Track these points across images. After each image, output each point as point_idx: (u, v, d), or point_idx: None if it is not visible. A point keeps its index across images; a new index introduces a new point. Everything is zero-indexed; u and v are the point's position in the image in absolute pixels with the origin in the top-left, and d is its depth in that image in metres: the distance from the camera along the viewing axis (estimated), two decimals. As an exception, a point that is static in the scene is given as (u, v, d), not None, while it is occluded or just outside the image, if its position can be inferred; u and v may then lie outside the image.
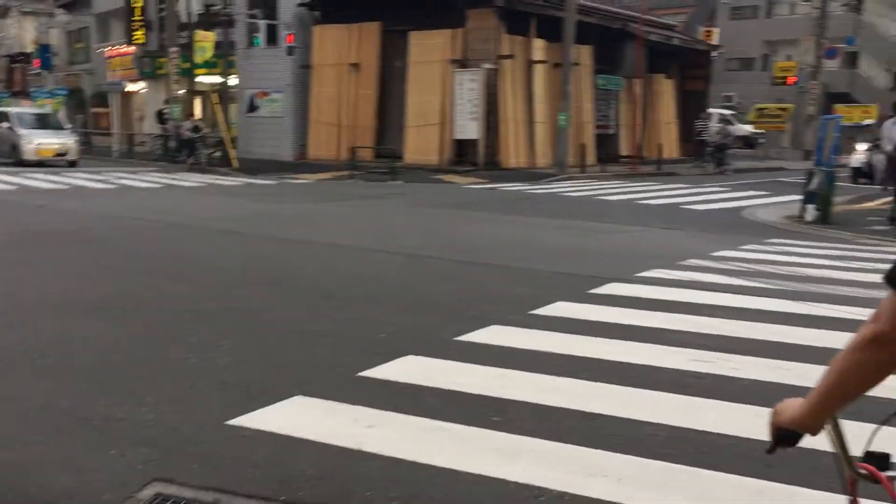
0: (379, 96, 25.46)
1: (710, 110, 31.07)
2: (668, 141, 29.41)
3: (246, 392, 4.42)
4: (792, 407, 1.60)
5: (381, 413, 4.15)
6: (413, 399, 4.37)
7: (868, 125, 28.64)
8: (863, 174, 20.65)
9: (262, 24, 25.72)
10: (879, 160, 14.52)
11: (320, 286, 7.32)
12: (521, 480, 3.40)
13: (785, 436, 1.60)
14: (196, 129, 22.95)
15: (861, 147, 21.78)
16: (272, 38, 26.18)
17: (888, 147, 13.06)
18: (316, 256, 8.97)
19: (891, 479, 1.48)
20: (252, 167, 23.23)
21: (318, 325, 5.91)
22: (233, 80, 27.50)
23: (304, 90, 26.49)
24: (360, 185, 18.86)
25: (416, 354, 5.19)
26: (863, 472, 1.53)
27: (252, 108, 27.82)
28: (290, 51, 25.25)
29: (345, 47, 25.51)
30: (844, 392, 1.49)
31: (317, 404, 4.29)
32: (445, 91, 23.42)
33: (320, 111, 25.96)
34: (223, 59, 25.78)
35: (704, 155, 25.48)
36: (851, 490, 1.61)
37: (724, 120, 40.31)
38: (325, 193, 16.67)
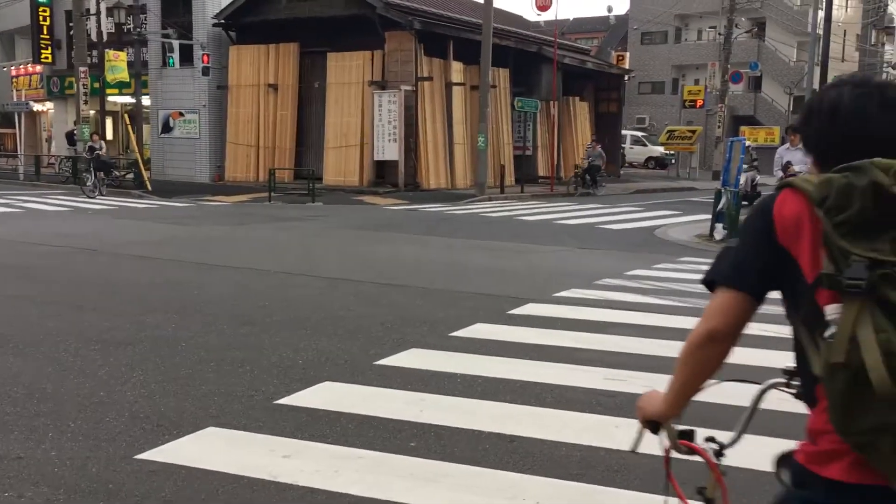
0: (298, 117, 25.27)
1: (624, 132, 31.94)
2: (585, 162, 30.09)
3: (157, 425, 4.29)
4: (656, 400, 1.90)
5: (297, 442, 4.08)
6: (330, 426, 4.32)
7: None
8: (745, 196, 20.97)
9: (176, 43, 25.24)
10: (748, 178, 14.86)
11: (238, 312, 7.18)
12: (438, 506, 3.39)
13: (651, 426, 1.93)
14: (91, 149, 21.69)
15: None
16: (187, 57, 25.71)
17: (777, 172, 12.93)
18: (233, 281, 8.80)
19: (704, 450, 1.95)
20: (167, 189, 22.69)
21: (235, 353, 5.79)
22: (146, 101, 26.87)
23: (220, 111, 26.08)
24: (279, 208, 18.63)
25: (335, 380, 5.14)
26: (683, 447, 1.93)
27: (166, 128, 27.22)
28: (206, 71, 24.85)
29: (262, 68, 25.26)
30: (695, 384, 1.82)
31: (231, 435, 4.19)
32: (365, 112, 23.43)
33: (237, 132, 25.60)
34: (136, 78, 25.16)
35: (576, 177, 24.63)
36: (666, 464, 2.02)
37: (638, 141, 41.50)
38: (242, 216, 16.40)
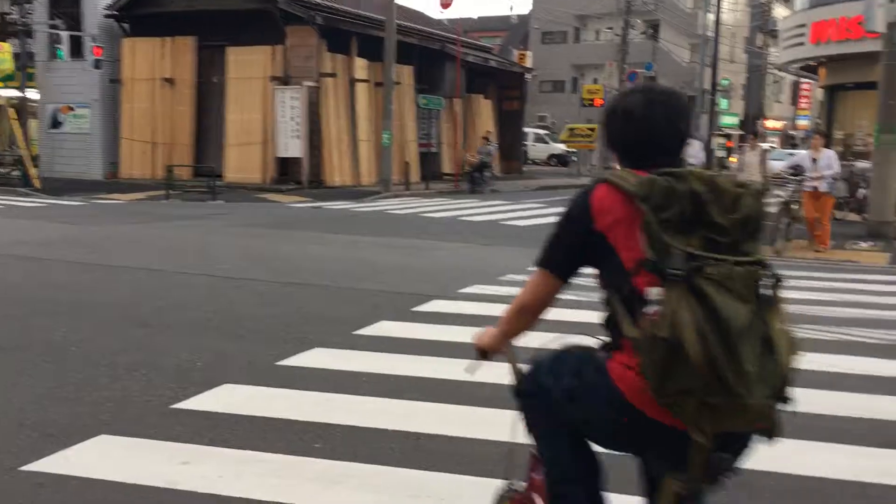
0: (196, 113, 24.56)
1: (526, 129, 32.38)
2: (476, 157, 30.41)
3: (45, 434, 4.08)
4: (487, 336, 2.43)
5: (196, 448, 3.96)
6: (232, 430, 4.21)
7: None
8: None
9: (65, 34, 24.11)
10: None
11: (133, 314, 6.92)
12: (343, 507, 3.35)
13: (482, 354, 2.50)
14: None
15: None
16: (77, 50, 24.60)
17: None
18: (128, 282, 8.47)
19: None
20: (56, 187, 21.68)
21: (130, 356, 5.57)
22: (33, 94, 25.59)
23: (113, 105, 25.08)
24: (177, 206, 18.07)
25: (235, 383, 5.02)
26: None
27: (55, 123, 25.98)
28: (97, 64, 23.82)
29: (157, 62, 24.42)
30: (513, 335, 2.39)
31: (125, 443, 4.03)
32: (267, 109, 22.97)
33: (133, 128, 24.68)
34: (21, 71, 23.91)
35: (464, 175, 24.53)
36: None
37: (540, 139, 42.24)
38: (139, 214, 15.83)
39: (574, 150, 34.83)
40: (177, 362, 5.44)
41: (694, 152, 13.62)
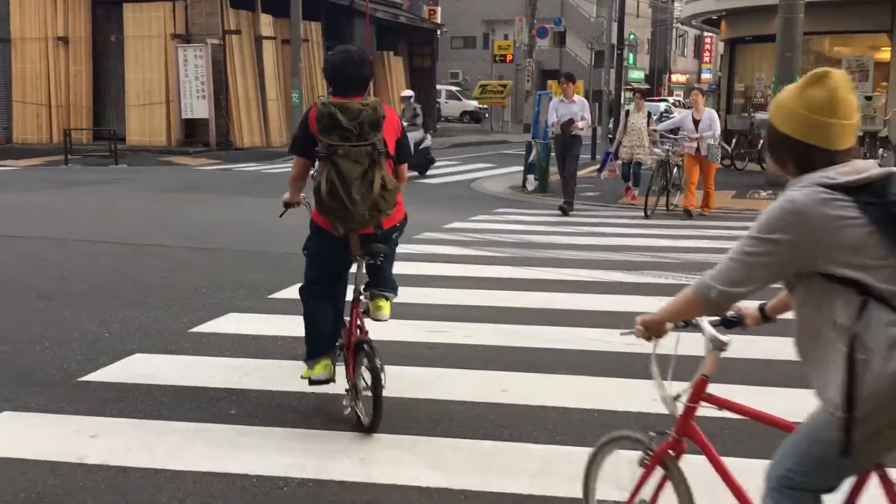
0: (94, 73, 23.43)
1: (439, 87, 32.26)
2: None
3: (-59, 415, 3.88)
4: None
5: (105, 420, 3.84)
6: (142, 401, 4.10)
7: None
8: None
9: (-55, -10, 22.55)
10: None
11: (33, 285, 6.62)
12: (262, 473, 3.32)
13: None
14: None
15: None
16: (-42, 7, 23.07)
17: (552, 124, 11.69)
18: (27, 252, 8.08)
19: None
20: (-57, 154, 20.44)
21: (32, 329, 5.34)
22: (-89, 55, 23.94)
23: (3, 66, 23.69)
24: (77, 171, 17.29)
25: (146, 352, 4.87)
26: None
27: (-61, 86, 24.41)
28: (-18, 22, 22.41)
29: (49, 19, 23.11)
30: (294, 200, 4.19)
31: (30, 418, 3.87)
32: (169, 68, 22.08)
33: (25, 90, 23.37)
34: None
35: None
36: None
37: (452, 96, 42.12)
38: (35, 181, 15.07)
39: (486, 106, 34.92)
40: (82, 334, 5.25)
41: (576, 110, 11.11)
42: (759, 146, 16.61)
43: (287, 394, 4.22)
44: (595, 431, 3.73)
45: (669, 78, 53.97)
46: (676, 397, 2.34)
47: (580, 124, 11.19)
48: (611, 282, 6.90)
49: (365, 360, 3.71)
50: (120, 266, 7.46)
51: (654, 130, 11.94)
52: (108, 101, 23.54)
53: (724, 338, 2.20)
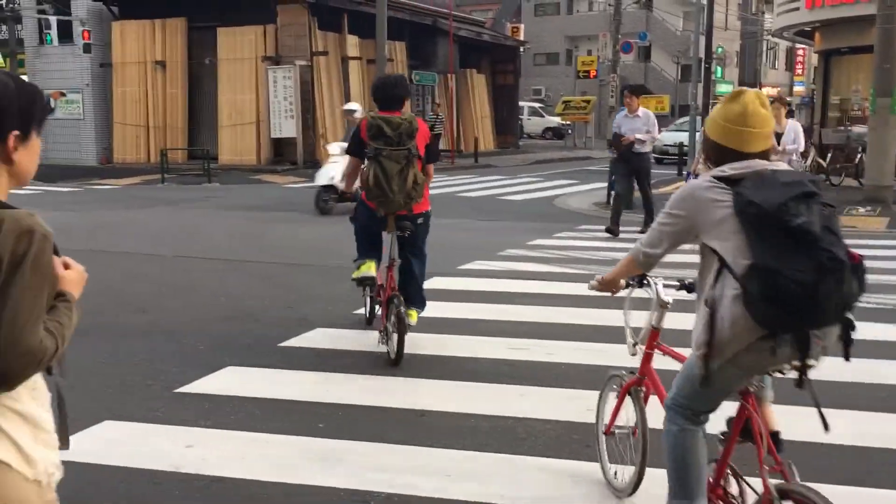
0: (189, 95, 24.39)
1: (521, 103, 32.24)
2: (484, 134, 30.27)
3: (48, 422, 4.09)
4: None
5: (200, 431, 3.97)
6: (235, 412, 4.22)
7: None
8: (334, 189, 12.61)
9: (54, 19, 23.89)
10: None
11: (130, 300, 6.91)
12: (349, 486, 3.37)
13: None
14: None
15: (334, 152, 13.16)
16: (66, 34, 24.37)
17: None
18: (124, 268, 8.46)
19: None
20: (51, 174, 21.51)
21: (130, 342, 5.57)
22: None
23: (105, 90, 24.90)
24: (172, 189, 18.01)
25: (238, 365, 5.02)
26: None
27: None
28: (87, 48, 23.62)
29: (148, 44, 24.22)
30: (350, 185, 5.74)
31: (129, 427, 4.03)
32: (259, 89, 22.82)
33: (125, 112, 24.53)
34: (11, 57, 23.73)
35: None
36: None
37: (535, 112, 42.03)
38: (134, 199, 15.77)
39: (569, 122, 34.71)
40: (178, 346, 5.44)
41: (639, 126, 10.48)
42: (857, 161, 15.98)
43: (373, 409, 4.27)
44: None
45: (760, 91, 52.52)
46: (635, 345, 3.12)
47: (641, 136, 10.35)
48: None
49: (394, 309, 4.99)
50: (213, 281, 7.72)
51: None
52: (201, 122, 24.45)
53: (666, 298, 2.96)
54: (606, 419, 3.34)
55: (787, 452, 3.29)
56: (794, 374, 2.40)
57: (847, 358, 2.37)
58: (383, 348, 5.09)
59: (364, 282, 5.40)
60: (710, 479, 2.65)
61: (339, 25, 23.59)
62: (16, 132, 1.63)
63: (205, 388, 4.60)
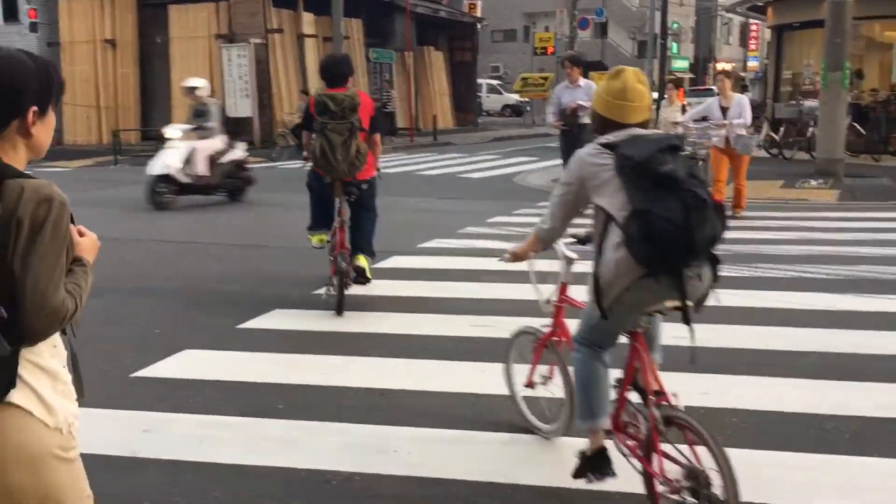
0: (141, 75, 23.91)
1: (480, 81, 32.18)
2: (443, 112, 30.16)
3: (0, 410, 3.99)
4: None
5: (157, 415, 3.91)
6: (193, 396, 4.17)
7: None
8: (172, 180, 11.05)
9: (-3, -3, 23.18)
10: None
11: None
12: (310, 466, 3.35)
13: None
14: None
15: (175, 136, 11.30)
16: (10, 12, 23.70)
17: (550, 114, 11.20)
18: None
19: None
20: (-1, 157, 20.97)
21: (85, 327, 5.44)
22: (-33, 61, 24.64)
23: (53, 70, 24.29)
24: (125, 171, 17.65)
25: (196, 348, 4.96)
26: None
27: (-7, 91, 25.08)
28: (34, 27, 22.96)
29: (97, 22, 23.64)
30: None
31: (85, 413, 3.92)
32: (213, 68, 22.43)
33: (75, 92, 23.93)
34: (-47, 36, 22.98)
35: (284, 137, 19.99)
36: None
37: (493, 90, 41.98)
38: (85, 182, 15.42)
39: (528, 99, 34.75)
40: (134, 331, 5.36)
41: (582, 96, 10.10)
42: (808, 134, 16.26)
43: (333, 388, 4.25)
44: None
45: (715, 67, 53.00)
46: (547, 301, 3.41)
47: (584, 103, 9.95)
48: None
49: (340, 264, 5.67)
50: (169, 264, 7.60)
51: (676, 123, 10.31)
52: (155, 102, 23.98)
53: (570, 253, 3.32)
54: (517, 377, 3.68)
55: (719, 421, 3.34)
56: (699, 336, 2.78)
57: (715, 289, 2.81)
58: (324, 297, 5.81)
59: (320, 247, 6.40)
60: (612, 414, 3.01)
61: (294, 2, 23.26)
62: (34, 108, 1.74)
63: (162, 372, 4.53)
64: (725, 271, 6.77)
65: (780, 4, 19.81)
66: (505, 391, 4.01)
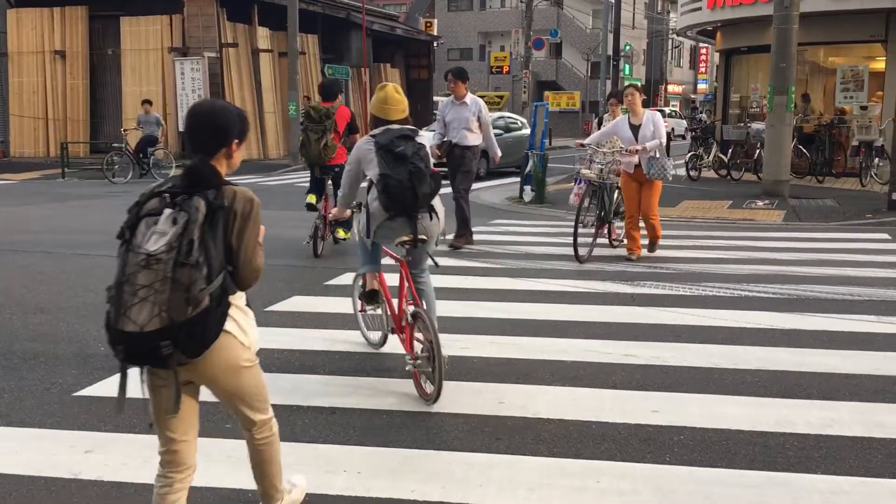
0: (91, 87, 23.51)
1: (436, 98, 32.30)
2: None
3: (-65, 430, 3.86)
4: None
5: (101, 435, 3.82)
6: (137, 416, 4.07)
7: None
8: None
9: (-58, 5, 22.62)
10: None
11: (28, 299, 6.60)
12: (252, 487, 3.29)
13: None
14: None
15: None
16: (-44, 21, 23.13)
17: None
18: (20, 266, 8.08)
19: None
20: (-60, 168, 20.42)
21: (26, 344, 5.32)
22: None
23: (0, 80, 23.75)
24: (74, 185, 17.29)
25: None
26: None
27: (-64, 100, 24.44)
28: (-20, 36, 22.47)
29: (47, 33, 23.21)
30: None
31: (24, 434, 3.85)
32: (166, 81, 22.17)
33: (21, 104, 23.45)
34: None
35: (119, 157, 18.17)
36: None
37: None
38: (31, 195, 15.07)
39: (483, 117, 34.87)
40: (78, 348, 5.23)
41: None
42: (755, 156, 16.65)
43: (284, 407, 4.20)
44: (591, 443, 3.72)
45: (666, 89, 54.16)
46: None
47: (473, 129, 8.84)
48: (606, 292, 6.89)
49: (322, 228, 8.30)
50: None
51: (582, 145, 8.70)
52: (105, 115, 23.61)
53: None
54: (359, 305, 5.15)
55: (668, 438, 3.39)
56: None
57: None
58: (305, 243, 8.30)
59: (309, 208, 8.83)
60: (394, 314, 4.60)
61: (249, 17, 23.14)
62: (236, 140, 2.66)
63: (106, 391, 4.43)
64: (672, 290, 6.90)
65: (729, 29, 20.31)
66: (455, 410, 4.03)
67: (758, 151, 16.46)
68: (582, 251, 8.21)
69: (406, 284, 4.44)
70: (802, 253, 8.83)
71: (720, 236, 10.14)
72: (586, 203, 8.50)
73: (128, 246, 2.43)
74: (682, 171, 16.68)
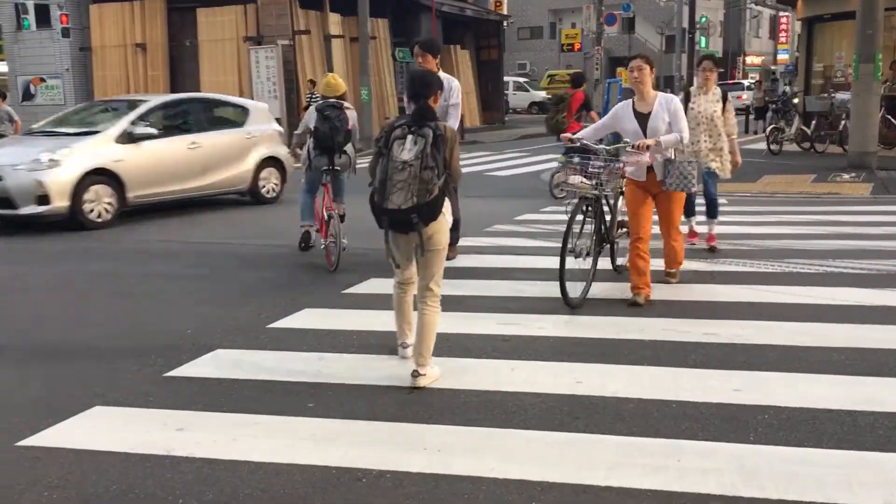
0: (171, 77, 24.20)
1: (506, 78, 32.12)
2: (469, 110, 30.15)
3: (35, 410, 4.08)
4: None
5: (191, 413, 3.97)
6: (225, 395, 4.22)
7: None
8: None
9: (31, 4, 23.57)
10: None
11: (114, 285, 6.89)
12: (341, 465, 3.37)
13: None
14: None
15: None
16: (43, 19, 24.08)
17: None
18: (114, 254, 8.42)
19: None
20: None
21: (118, 327, 5.56)
22: (2, 67, 25.12)
23: (85, 74, 24.66)
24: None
25: (227, 347, 5.02)
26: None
27: (27, 96, 25.56)
28: (66, 32, 23.35)
29: (128, 27, 23.97)
30: None
31: (119, 413, 4.03)
32: (242, 70, 22.65)
33: (107, 96, 24.27)
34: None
35: None
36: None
37: (520, 87, 41.82)
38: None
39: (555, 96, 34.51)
40: (165, 331, 5.43)
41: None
42: (840, 128, 16.02)
43: (363, 387, 4.28)
44: (672, 422, 3.68)
45: (744, 60, 52.51)
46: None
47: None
48: (684, 270, 6.75)
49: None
50: (199, 264, 7.70)
51: (570, 140, 6.18)
52: (184, 105, 24.22)
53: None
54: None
55: (751, 418, 3.30)
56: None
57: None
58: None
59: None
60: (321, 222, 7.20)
61: (321, 3, 23.39)
62: (438, 91, 4.31)
63: (194, 371, 4.59)
64: (753, 267, 6.73)
65: (811, -4, 19.51)
66: (536, 389, 4.03)
67: (843, 122, 15.84)
68: (573, 292, 5.70)
69: (326, 196, 7.30)
70: (891, 227, 8.49)
71: (804, 211, 9.82)
72: (576, 226, 5.88)
73: (388, 157, 4.01)
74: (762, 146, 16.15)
